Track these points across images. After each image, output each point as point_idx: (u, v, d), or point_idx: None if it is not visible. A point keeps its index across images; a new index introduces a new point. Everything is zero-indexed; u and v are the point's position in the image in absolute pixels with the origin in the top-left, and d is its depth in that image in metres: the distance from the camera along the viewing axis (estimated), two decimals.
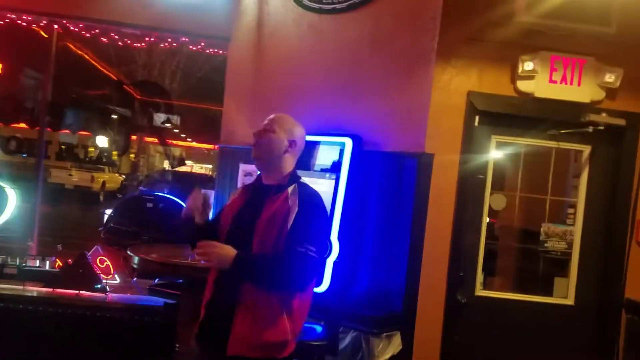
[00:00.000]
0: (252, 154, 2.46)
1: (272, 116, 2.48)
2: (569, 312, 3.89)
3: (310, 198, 2.35)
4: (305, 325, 2.50)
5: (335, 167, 3.85)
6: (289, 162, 2.43)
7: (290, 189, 2.36)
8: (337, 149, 3.87)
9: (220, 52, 5.33)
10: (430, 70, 3.72)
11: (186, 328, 3.30)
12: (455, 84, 3.75)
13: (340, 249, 3.69)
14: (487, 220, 4.06)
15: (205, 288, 2.45)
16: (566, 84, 3.75)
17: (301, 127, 2.49)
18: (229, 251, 2.26)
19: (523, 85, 3.76)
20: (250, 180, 2.55)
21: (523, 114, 3.79)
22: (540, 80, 3.73)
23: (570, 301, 3.91)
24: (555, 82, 3.75)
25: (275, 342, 2.29)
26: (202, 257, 2.30)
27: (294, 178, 2.42)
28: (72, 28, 5.14)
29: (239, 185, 4.24)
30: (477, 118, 3.79)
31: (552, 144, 3.94)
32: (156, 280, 4.65)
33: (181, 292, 3.86)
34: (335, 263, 3.66)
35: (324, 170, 3.93)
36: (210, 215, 2.54)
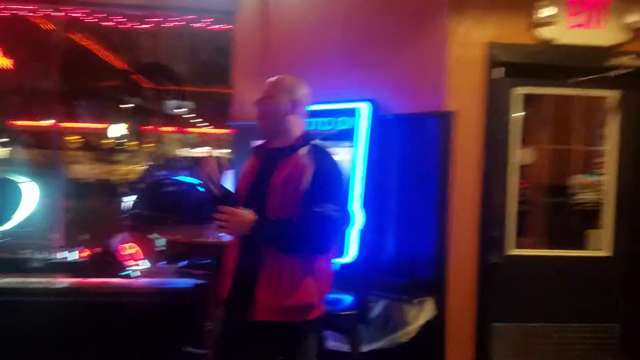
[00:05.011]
0: (257, 124, 2.37)
1: (269, 81, 2.37)
2: (606, 263, 3.78)
3: (325, 158, 2.27)
4: (334, 296, 2.44)
5: (354, 134, 3.75)
6: (297, 124, 2.34)
7: (303, 149, 2.27)
8: (354, 115, 3.76)
9: (226, 27, 5.20)
10: (445, 23, 3.57)
11: (217, 306, 3.29)
12: (472, 36, 3.59)
13: (365, 218, 3.61)
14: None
15: (227, 256, 2.38)
16: (588, 27, 3.59)
17: (303, 85, 2.38)
18: (248, 216, 2.18)
19: (542, 32, 3.60)
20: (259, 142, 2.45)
21: (545, 63, 3.63)
22: (560, 26, 3.58)
23: (607, 252, 3.80)
24: (576, 26, 3.59)
25: (301, 305, 2.23)
26: (221, 224, 2.20)
27: (307, 139, 2.33)
28: (75, 15, 5.07)
29: None
30: (497, 70, 3.64)
31: (578, 92, 3.79)
32: (184, 262, 4.64)
33: (209, 271, 3.84)
34: (360, 232, 3.58)
35: (342, 139, 3.82)
36: (227, 183, 2.47)
